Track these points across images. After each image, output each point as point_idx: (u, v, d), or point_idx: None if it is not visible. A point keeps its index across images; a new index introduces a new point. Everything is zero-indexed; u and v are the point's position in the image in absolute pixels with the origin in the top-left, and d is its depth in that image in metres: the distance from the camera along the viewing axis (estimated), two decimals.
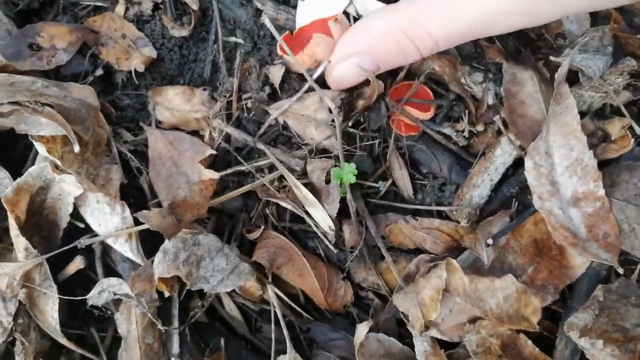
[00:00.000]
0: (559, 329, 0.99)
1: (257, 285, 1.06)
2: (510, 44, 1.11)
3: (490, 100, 1.07)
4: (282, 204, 1.06)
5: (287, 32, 1.09)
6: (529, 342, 0.96)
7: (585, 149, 0.94)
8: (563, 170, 0.95)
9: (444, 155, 1.11)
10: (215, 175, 1.03)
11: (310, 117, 1.06)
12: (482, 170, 1.06)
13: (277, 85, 1.08)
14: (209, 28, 1.22)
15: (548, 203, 0.96)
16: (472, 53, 1.12)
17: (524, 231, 1.02)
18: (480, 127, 1.11)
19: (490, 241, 1.02)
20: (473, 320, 0.96)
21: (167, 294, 1.00)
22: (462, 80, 1.07)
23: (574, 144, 0.95)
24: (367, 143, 1.10)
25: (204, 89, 1.16)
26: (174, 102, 1.16)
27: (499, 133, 1.10)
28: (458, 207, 1.06)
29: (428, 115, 1.09)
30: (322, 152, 1.10)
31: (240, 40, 1.19)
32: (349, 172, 1.00)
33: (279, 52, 1.08)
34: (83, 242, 1.01)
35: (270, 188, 1.10)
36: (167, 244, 0.97)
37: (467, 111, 1.10)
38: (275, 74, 1.07)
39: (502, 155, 1.06)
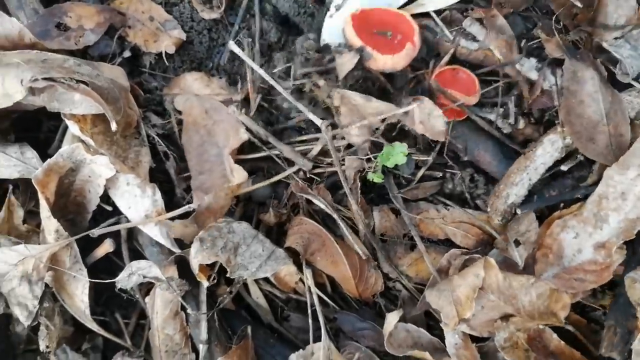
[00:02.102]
0: (606, 317, 0.97)
1: (294, 273, 1.04)
2: (568, 39, 1.10)
3: (545, 85, 1.06)
4: (315, 201, 1.06)
5: (354, 12, 1.06)
6: (554, 336, 0.96)
7: None
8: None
9: (487, 143, 1.09)
10: (242, 176, 1.01)
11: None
12: (521, 169, 1.05)
13: (343, 73, 1.04)
14: (238, 11, 1.20)
15: None
16: (524, 32, 1.10)
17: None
18: (535, 113, 1.09)
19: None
20: (504, 317, 0.96)
21: (205, 284, 0.98)
22: (517, 66, 1.05)
23: None
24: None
25: (220, 77, 1.15)
26: (194, 88, 1.14)
27: (545, 126, 1.08)
28: (493, 203, 1.04)
29: (473, 99, 1.07)
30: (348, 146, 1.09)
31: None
32: (399, 152, 0.98)
33: (350, 40, 1.04)
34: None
35: (300, 182, 1.09)
36: (202, 234, 0.95)
37: (513, 98, 1.09)
38: (346, 61, 1.03)
39: (544, 155, 1.04)
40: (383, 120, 1.01)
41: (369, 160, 1.05)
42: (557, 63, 1.09)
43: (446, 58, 1.11)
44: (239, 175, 0.98)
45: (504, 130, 1.10)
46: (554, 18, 1.10)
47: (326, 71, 1.04)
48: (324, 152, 1.10)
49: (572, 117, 1.02)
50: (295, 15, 1.13)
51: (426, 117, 1.01)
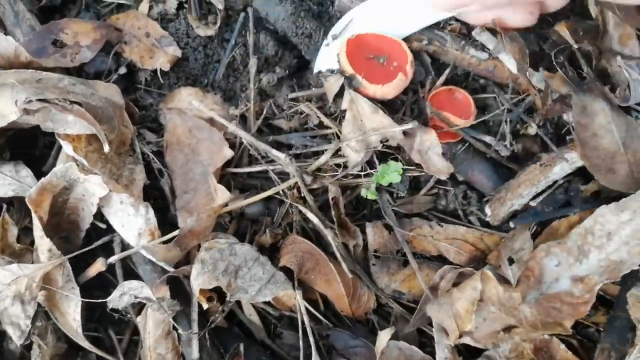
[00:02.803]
0: (602, 339, 0.97)
1: (292, 294, 1.04)
2: (572, 70, 1.09)
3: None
4: (309, 215, 1.06)
5: (350, 37, 1.06)
6: (562, 346, 0.96)
7: None
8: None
9: (482, 165, 1.10)
10: (226, 196, 1.01)
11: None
12: (533, 182, 1.05)
13: (331, 96, 1.05)
14: (233, 28, 1.20)
15: None
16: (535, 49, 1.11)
17: (556, 235, 1.02)
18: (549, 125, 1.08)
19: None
20: (507, 328, 0.95)
21: (205, 306, 0.98)
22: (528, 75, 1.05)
23: None
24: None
25: (215, 93, 1.16)
26: (188, 102, 1.14)
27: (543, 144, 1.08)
28: (495, 208, 1.04)
29: (468, 122, 1.07)
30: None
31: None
32: (394, 170, 0.99)
33: (342, 66, 1.05)
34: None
35: (295, 197, 1.09)
36: (204, 255, 0.96)
37: (508, 120, 1.08)
38: (333, 84, 1.04)
39: (559, 173, 1.04)
40: (382, 141, 1.01)
41: (367, 175, 1.06)
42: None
43: (442, 78, 1.11)
44: (222, 195, 0.98)
45: (502, 153, 1.10)
46: (553, 53, 1.10)
47: (317, 96, 1.05)
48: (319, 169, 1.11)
49: (587, 150, 1.01)
50: (293, 35, 1.14)
51: (425, 149, 1.01)
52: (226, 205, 1.05)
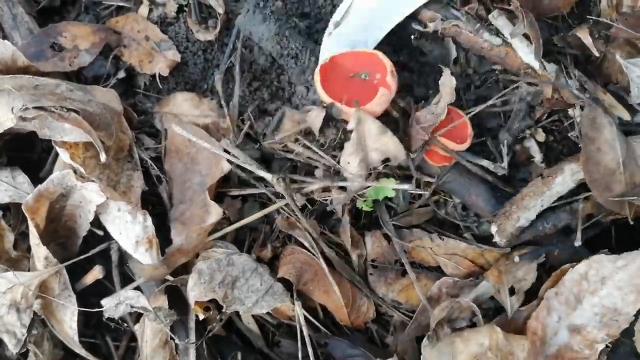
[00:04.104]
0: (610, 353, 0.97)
1: (289, 305, 1.03)
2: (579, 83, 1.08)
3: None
4: (301, 239, 1.05)
5: (324, 61, 1.01)
6: None
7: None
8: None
9: (479, 187, 1.07)
10: (219, 213, 0.98)
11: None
12: (537, 193, 1.03)
13: (316, 130, 1.03)
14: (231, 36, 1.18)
15: None
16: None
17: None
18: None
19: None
20: None
21: (201, 317, 0.98)
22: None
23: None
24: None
25: (212, 99, 1.14)
26: (183, 108, 1.14)
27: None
28: (502, 224, 1.03)
29: (464, 146, 1.04)
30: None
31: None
32: (388, 187, 0.98)
33: (320, 96, 1.01)
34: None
35: (290, 216, 1.08)
36: (201, 265, 0.95)
37: (505, 141, 1.08)
38: (315, 118, 1.00)
39: (562, 184, 1.02)
40: (384, 160, 0.99)
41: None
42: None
43: (443, 104, 1.03)
44: (215, 213, 0.96)
45: (498, 173, 1.08)
46: (569, 58, 1.09)
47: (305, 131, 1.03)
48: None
49: (589, 165, 1.00)
50: (278, 57, 1.10)
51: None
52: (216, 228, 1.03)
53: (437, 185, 1.07)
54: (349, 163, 0.98)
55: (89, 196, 0.97)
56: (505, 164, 1.06)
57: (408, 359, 1.09)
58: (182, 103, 1.13)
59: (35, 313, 0.95)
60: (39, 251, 0.93)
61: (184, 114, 1.13)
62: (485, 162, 1.07)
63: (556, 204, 1.05)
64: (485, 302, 1.09)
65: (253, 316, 1.14)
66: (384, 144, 0.96)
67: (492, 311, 1.10)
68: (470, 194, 1.07)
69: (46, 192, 0.95)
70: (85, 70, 1.12)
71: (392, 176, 1.05)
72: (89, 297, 1.06)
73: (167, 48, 1.16)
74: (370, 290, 1.11)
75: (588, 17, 1.18)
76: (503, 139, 1.10)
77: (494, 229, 1.04)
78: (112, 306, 0.94)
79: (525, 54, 1.09)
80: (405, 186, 1.00)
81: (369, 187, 1.01)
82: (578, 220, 1.03)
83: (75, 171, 0.98)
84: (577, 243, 1.01)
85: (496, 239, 1.05)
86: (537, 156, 1.13)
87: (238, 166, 1.09)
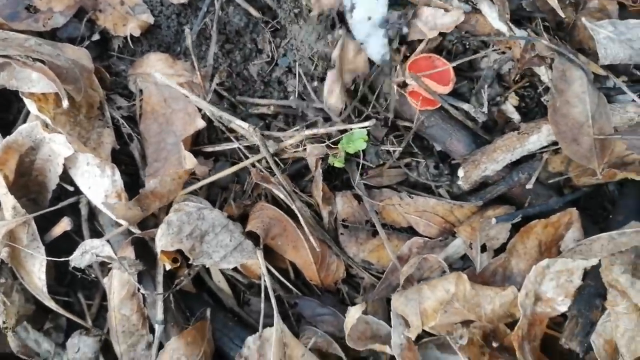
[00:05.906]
0: (570, 308, 0.96)
1: (259, 263, 1.04)
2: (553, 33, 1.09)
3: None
4: (275, 191, 1.06)
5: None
6: (508, 331, 0.97)
7: None
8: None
9: (460, 133, 1.09)
10: (193, 163, 1.01)
11: None
12: (509, 149, 1.04)
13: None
14: None
15: None
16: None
17: (532, 233, 1.02)
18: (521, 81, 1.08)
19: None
20: (465, 322, 0.97)
21: (168, 267, 0.99)
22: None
23: None
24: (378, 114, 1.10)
25: (185, 60, 1.15)
26: (157, 68, 1.14)
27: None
28: (468, 170, 1.03)
29: (447, 89, 1.06)
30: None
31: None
32: (359, 137, 0.98)
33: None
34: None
35: (263, 171, 1.09)
36: (171, 216, 0.96)
37: (486, 87, 1.08)
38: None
39: (535, 142, 1.04)
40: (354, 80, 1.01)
41: (334, 143, 1.06)
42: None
43: (421, 46, 1.09)
44: (190, 161, 0.98)
45: (479, 119, 1.09)
46: (539, 18, 1.10)
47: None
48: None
49: (557, 116, 1.01)
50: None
51: None
52: (193, 172, 1.05)
53: (418, 128, 1.08)
54: (332, 92, 0.99)
55: (57, 149, 0.98)
56: (485, 109, 1.07)
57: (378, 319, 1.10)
58: (156, 63, 1.14)
59: (3, 261, 0.96)
60: (7, 201, 0.95)
61: (156, 75, 1.14)
62: (466, 106, 1.08)
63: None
64: (455, 262, 1.10)
65: (224, 275, 1.15)
66: (356, 63, 0.97)
67: (461, 270, 1.10)
68: (451, 139, 1.09)
69: (15, 144, 0.97)
70: (59, 31, 1.14)
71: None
72: (61, 254, 1.07)
73: (141, 11, 1.17)
74: (340, 250, 1.11)
75: None
76: (482, 85, 1.10)
77: (460, 173, 1.05)
78: (77, 255, 0.95)
79: (494, 19, 1.10)
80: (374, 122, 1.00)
81: (343, 130, 1.01)
82: (539, 166, 1.05)
83: (47, 125, 1.00)
84: (529, 186, 1.03)
85: (460, 182, 1.06)
86: (515, 116, 1.13)
87: (210, 122, 1.11)
